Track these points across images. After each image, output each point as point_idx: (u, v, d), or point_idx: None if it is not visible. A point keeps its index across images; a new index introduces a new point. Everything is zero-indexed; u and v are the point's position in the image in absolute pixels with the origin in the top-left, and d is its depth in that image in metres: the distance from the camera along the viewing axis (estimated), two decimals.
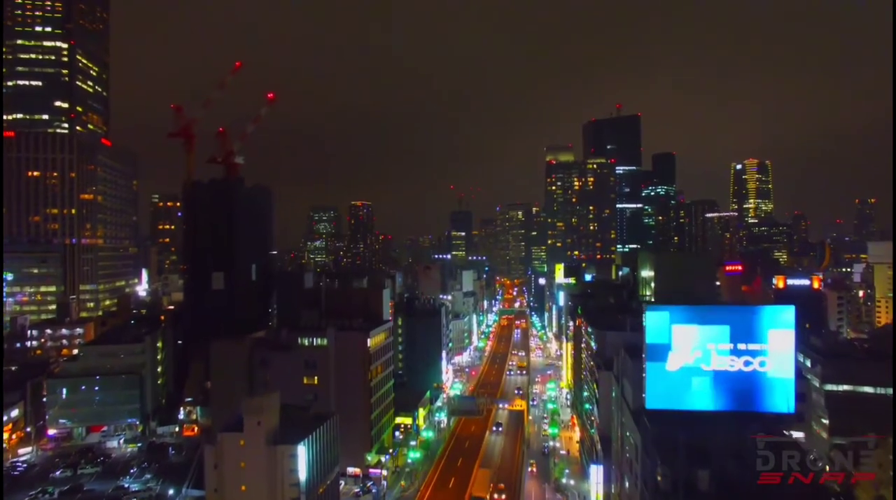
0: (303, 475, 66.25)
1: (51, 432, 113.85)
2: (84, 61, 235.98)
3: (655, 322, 54.69)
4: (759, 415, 50.87)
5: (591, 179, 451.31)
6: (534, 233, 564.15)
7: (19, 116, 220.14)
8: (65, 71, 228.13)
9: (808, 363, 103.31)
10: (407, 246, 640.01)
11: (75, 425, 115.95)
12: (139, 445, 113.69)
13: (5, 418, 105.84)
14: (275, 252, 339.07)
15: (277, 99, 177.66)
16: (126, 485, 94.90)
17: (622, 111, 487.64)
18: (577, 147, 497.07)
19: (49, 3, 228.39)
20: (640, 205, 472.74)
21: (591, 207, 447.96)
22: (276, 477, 64.90)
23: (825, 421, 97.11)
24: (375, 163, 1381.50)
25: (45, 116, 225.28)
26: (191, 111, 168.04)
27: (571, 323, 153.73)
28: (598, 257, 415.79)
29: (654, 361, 54.18)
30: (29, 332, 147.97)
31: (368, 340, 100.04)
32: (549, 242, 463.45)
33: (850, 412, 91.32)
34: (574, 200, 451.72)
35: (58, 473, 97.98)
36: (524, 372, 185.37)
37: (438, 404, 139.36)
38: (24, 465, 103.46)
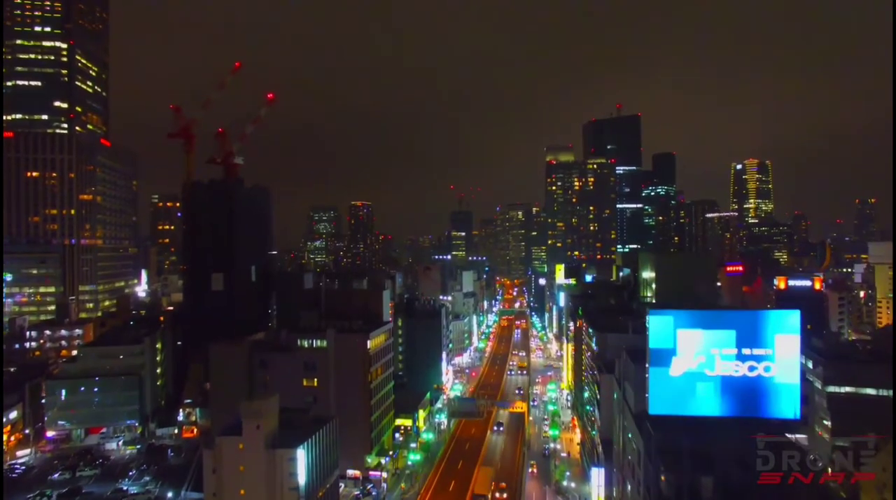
0: (302, 478, 65.81)
1: (49, 433, 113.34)
2: (83, 61, 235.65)
3: (659, 327, 54.11)
4: (765, 421, 50.25)
5: (592, 179, 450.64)
6: (534, 233, 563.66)
7: (18, 116, 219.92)
8: (64, 71, 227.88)
9: (810, 365, 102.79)
10: (407, 246, 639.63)
11: (74, 426, 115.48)
12: (138, 447, 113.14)
13: (3, 419, 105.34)
14: (275, 252, 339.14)
15: (277, 99, 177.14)
16: (125, 487, 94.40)
17: (622, 111, 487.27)
18: (578, 147, 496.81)
19: (48, 3, 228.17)
20: (640, 205, 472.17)
21: (591, 208, 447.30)
22: (276, 481, 64.45)
23: (827, 423, 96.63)
24: (375, 163, 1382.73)
25: (45, 117, 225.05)
26: (190, 112, 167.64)
27: (572, 324, 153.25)
28: (599, 257, 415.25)
29: (658, 366, 53.61)
30: (28, 333, 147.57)
31: (368, 341, 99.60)
32: (550, 242, 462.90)
33: (853, 414, 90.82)
34: (574, 200, 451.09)
35: (56, 475, 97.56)
36: (524, 372, 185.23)
37: (439, 405, 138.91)
38: (23, 467, 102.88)
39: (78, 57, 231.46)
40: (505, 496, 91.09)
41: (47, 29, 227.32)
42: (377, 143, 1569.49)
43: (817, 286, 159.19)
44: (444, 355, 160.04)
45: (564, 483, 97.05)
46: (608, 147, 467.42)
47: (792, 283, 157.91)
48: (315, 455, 69.30)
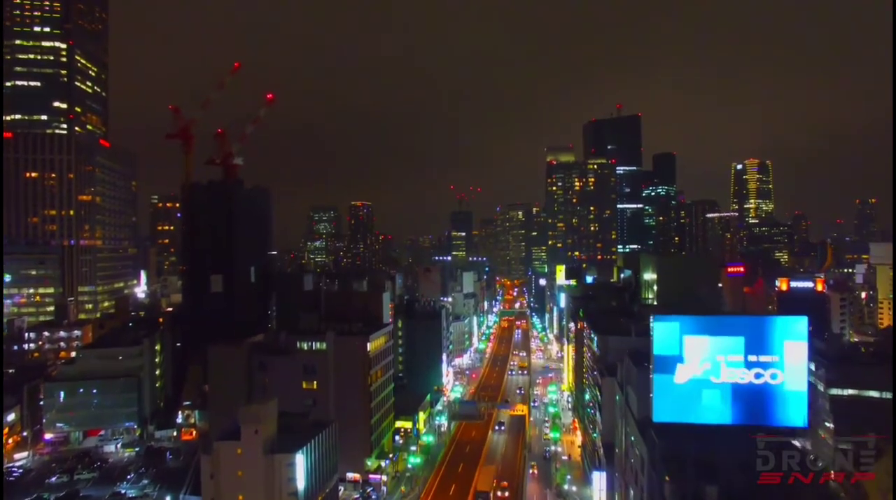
0: (301, 483, 65.16)
1: (47, 436, 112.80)
2: (83, 61, 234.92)
3: (663, 333, 53.29)
4: (772, 430, 49.42)
5: (592, 179, 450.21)
6: (534, 233, 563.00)
7: (18, 116, 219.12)
8: (63, 71, 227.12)
9: (813, 367, 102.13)
10: (407, 246, 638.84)
11: (72, 429, 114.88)
12: (137, 449, 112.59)
13: (2, 422, 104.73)
14: (274, 252, 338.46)
15: (277, 99, 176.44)
16: (123, 491, 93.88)
17: (623, 111, 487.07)
18: (578, 147, 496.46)
19: (48, 3, 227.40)
20: (640, 205, 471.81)
21: (591, 208, 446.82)
22: (274, 486, 63.80)
23: (829, 426, 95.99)
24: (375, 163, 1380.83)
25: (44, 117, 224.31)
26: (189, 112, 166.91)
27: (573, 325, 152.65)
28: (599, 257, 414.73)
29: (662, 373, 52.75)
30: (26, 334, 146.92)
31: (368, 344, 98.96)
32: (550, 242, 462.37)
33: (855, 417, 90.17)
34: (574, 200, 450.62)
35: (54, 478, 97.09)
36: (525, 372, 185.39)
37: (439, 407, 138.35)
38: (20, 470, 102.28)
39: (77, 57, 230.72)
40: (507, 494, 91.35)
41: (46, 29, 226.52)
42: (377, 143, 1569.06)
43: (819, 288, 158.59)
44: (444, 356, 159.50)
45: (566, 487, 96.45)
46: (608, 147, 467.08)
47: (794, 284, 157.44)
48: (314, 460, 68.67)
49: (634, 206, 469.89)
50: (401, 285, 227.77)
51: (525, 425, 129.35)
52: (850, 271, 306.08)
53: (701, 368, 51.71)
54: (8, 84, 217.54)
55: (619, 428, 74.01)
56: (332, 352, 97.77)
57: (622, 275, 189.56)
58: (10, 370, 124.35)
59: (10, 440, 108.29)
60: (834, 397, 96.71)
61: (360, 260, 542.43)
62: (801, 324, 50.51)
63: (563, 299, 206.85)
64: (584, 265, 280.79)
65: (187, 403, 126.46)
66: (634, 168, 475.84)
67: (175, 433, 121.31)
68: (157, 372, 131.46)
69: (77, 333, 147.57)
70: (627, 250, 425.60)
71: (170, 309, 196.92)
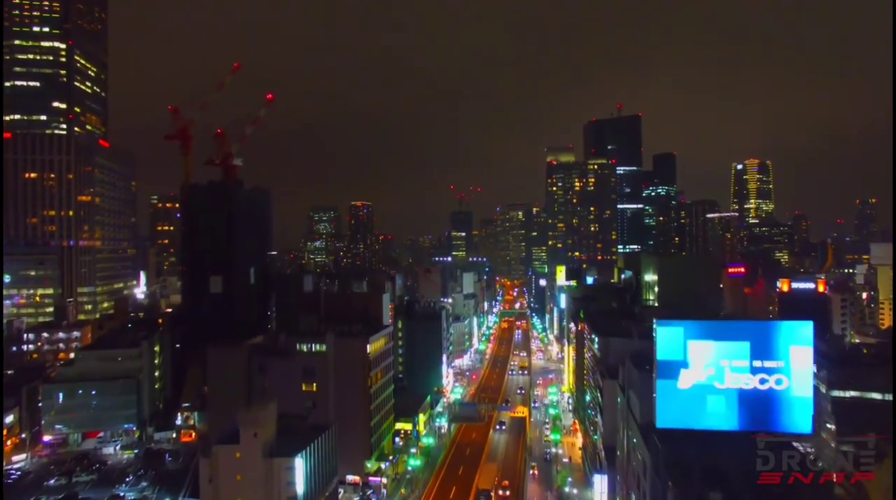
0: (300, 487, 64.73)
1: (46, 438, 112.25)
2: (82, 62, 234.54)
3: (667, 338, 52.78)
4: (777, 435, 48.87)
5: (592, 179, 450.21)
6: (534, 233, 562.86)
7: (17, 116, 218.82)
8: (63, 71, 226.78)
9: (815, 369, 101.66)
10: (407, 246, 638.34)
11: (71, 431, 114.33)
12: (136, 451, 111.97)
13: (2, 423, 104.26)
14: (274, 253, 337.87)
15: (277, 99, 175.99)
16: (122, 493, 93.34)
17: (623, 111, 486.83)
18: (578, 147, 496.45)
19: (47, 3, 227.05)
20: (640, 205, 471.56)
21: (591, 208, 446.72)
22: (274, 490, 63.37)
23: (831, 427, 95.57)
24: (375, 163, 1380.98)
25: (43, 117, 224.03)
26: (189, 112, 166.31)
27: (573, 326, 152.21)
28: (600, 258, 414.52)
29: (665, 378, 52.22)
30: (25, 335, 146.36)
31: (368, 346, 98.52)
32: (550, 242, 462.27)
33: (858, 419, 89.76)
34: (575, 200, 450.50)
35: (52, 481, 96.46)
36: (525, 372, 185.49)
37: (439, 409, 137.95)
38: (19, 472, 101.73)
39: (77, 57, 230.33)
40: (508, 493, 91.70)
41: (46, 29, 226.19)
42: (377, 143, 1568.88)
43: (821, 289, 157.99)
44: (444, 357, 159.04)
45: (566, 489, 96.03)
46: (609, 147, 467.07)
47: (795, 285, 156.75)
48: (314, 463, 68.25)
49: (635, 206, 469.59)
50: (401, 286, 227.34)
51: (526, 426, 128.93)
52: (851, 271, 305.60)
53: (705, 373, 51.09)
54: (7, 84, 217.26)
55: (620, 431, 73.55)
56: (331, 354, 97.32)
57: (623, 276, 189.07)
58: (9, 372, 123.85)
59: (9, 442, 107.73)
60: (836, 398, 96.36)
61: (360, 260, 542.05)
62: (806, 329, 49.99)
63: (563, 300, 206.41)
64: (585, 266, 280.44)
65: (186, 404, 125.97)
66: (634, 168, 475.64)
67: (174, 435, 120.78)
68: (157, 374, 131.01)
69: (76, 334, 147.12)
70: (628, 251, 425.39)
71: (169, 310, 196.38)
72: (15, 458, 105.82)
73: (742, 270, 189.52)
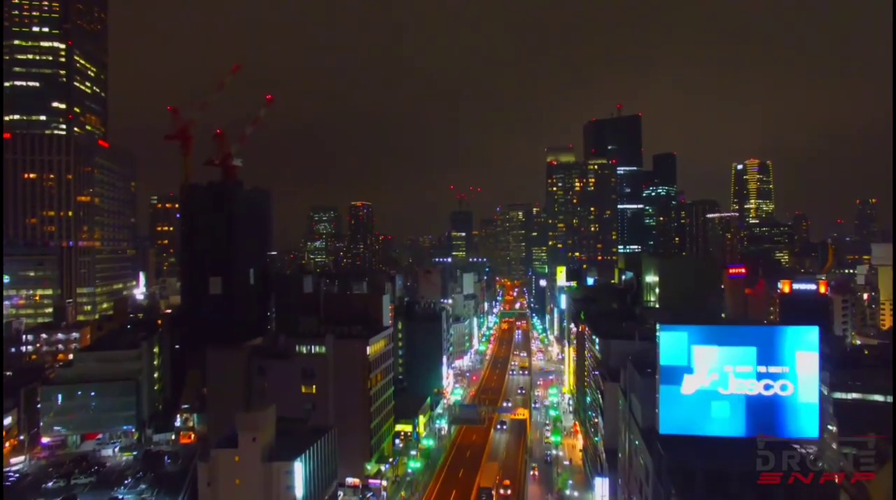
0: (299, 491, 64.29)
1: (45, 440, 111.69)
2: (82, 62, 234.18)
3: (671, 343, 52.13)
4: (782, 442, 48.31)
5: (592, 179, 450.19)
6: (534, 234, 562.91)
7: (16, 117, 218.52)
8: (62, 72, 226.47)
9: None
10: (407, 246, 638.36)
11: (70, 432, 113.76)
12: (135, 453, 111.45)
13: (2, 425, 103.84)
14: (274, 253, 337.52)
15: (277, 99, 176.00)
16: (120, 496, 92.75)
17: (623, 111, 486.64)
18: (578, 147, 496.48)
19: (46, 3, 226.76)
20: (640, 205, 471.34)
21: (592, 208, 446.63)
22: (273, 494, 62.93)
23: (832, 428, 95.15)
24: (375, 163, 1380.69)
25: (43, 117, 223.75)
26: (189, 113, 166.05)
27: (574, 327, 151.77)
28: (600, 258, 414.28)
29: (668, 384, 51.57)
30: (24, 336, 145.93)
31: (368, 347, 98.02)
32: (550, 243, 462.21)
33: (860, 421, 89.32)
34: (575, 200, 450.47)
35: (50, 483, 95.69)
36: (526, 372, 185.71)
37: (439, 410, 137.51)
38: (17, 475, 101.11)
39: (76, 57, 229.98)
40: (509, 492, 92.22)
41: (45, 29, 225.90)
42: (377, 143, 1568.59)
43: (822, 290, 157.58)
44: (444, 358, 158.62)
45: (567, 492, 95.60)
46: (609, 147, 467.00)
47: (796, 287, 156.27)
48: (313, 467, 67.84)
49: (635, 206, 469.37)
50: (401, 287, 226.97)
51: (526, 429, 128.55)
52: (852, 271, 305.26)
53: (709, 379, 50.43)
54: (7, 84, 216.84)
55: (622, 434, 73.10)
56: (331, 356, 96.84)
57: (623, 277, 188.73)
58: (8, 373, 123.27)
59: (7, 444, 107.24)
60: (837, 400, 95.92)
61: (360, 260, 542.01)
62: (812, 334, 49.42)
63: (563, 301, 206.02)
64: (585, 266, 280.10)
65: (186, 406, 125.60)
66: (635, 168, 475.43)
67: (173, 437, 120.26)
68: (156, 375, 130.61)
69: (75, 335, 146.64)
70: (628, 251, 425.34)
71: (168, 311, 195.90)
72: (13, 460, 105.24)
73: (743, 270, 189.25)
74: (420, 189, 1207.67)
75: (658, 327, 52.95)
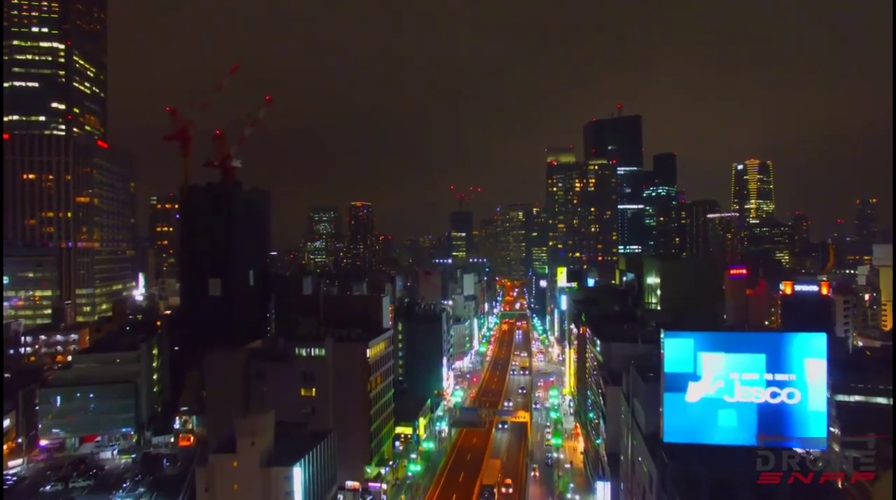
0: (299, 496, 63.66)
1: (43, 442, 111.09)
2: (81, 62, 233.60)
3: (675, 350, 51.29)
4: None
5: (593, 180, 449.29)
6: (534, 234, 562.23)
7: (15, 117, 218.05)
8: (62, 72, 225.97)
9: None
10: (407, 247, 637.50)
11: (68, 435, 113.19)
12: (133, 456, 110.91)
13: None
14: (275, 253, 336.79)
15: (276, 99, 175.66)
16: (119, 499, 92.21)
17: (623, 111, 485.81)
18: (578, 147, 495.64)
19: (46, 3, 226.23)
20: (641, 206, 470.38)
21: (592, 209, 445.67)
22: None
23: (835, 431, 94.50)
24: (375, 163, 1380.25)
25: (42, 118, 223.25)
26: (189, 113, 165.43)
27: (574, 329, 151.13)
28: (600, 258, 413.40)
29: (673, 391, 50.83)
30: (22, 338, 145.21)
31: (368, 350, 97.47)
32: (550, 243, 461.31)
33: (862, 423, 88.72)
34: (575, 201, 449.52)
35: (48, 486, 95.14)
36: (526, 372, 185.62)
37: (439, 412, 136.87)
38: (14, 478, 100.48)
39: (75, 58, 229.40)
40: (511, 491, 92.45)
41: (45, 29, 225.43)
42: (377, 143, 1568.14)
43: (824, 291, 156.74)
44: (444, 360, 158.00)
45: (569, 496, 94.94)
46: (609, 148, 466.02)
47: (798, 288, 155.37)
48: (313, 472, 67.23)
49: (635, 206, 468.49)
50: (401, 288, 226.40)
51: (527, 432, 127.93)
52: (852, 272, 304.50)
53: (714, 386, 49.66)
54: (6, 85, 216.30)
55: (624, 439, 72.48)
56: (331, 358, 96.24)
57: (624, 278, 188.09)
58: (7, 375, 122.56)
59: (5, 447, 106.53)
60: (840, 403, 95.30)
61: (361, 260, 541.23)
62: (820, 341, 48.76)
63: (564, 302, 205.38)
64: (585, 267, 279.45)
65: (185, 408, 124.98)
66: (635, 168, 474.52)
67: (172, 439, 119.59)
68: (155, 377, 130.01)
69: (74, 336, 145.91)
70: (628, 251, 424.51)
71: (168, 312, 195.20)
72: (11, 463, 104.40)
73: (744, 271, 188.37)
74: (420, 189, 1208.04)
75: (662, 333, 52.19)
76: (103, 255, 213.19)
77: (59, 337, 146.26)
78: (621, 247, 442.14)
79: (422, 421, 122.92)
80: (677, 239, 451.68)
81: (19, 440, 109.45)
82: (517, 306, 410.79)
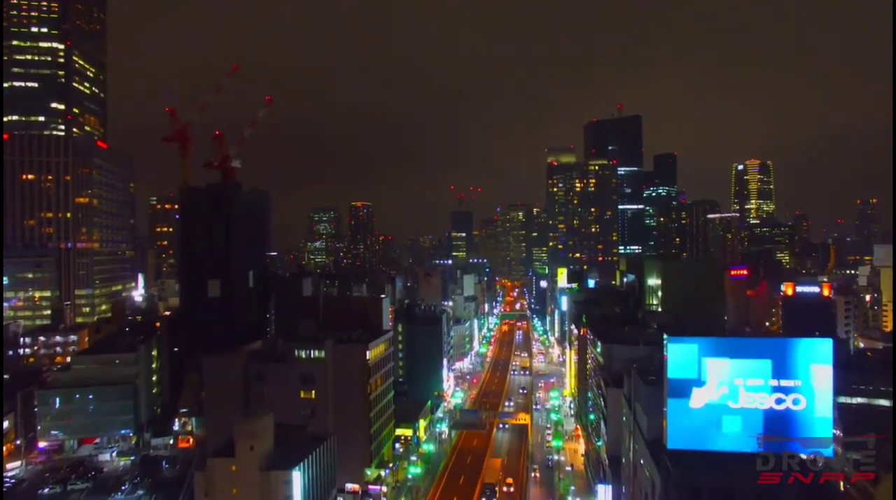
0: None
1: (41, 444, 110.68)
2: (81, 62, 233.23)
3: (679, 355, 50.76)
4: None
5: (593, 180, 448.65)
6: (535, 234, 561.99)
7: (15, 117, 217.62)
8: (61, 72, 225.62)
9: None
10: (407, 247, 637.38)
11: (67, 437, 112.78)
12: (132, 458, 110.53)
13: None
14: (275, 253, 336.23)
15: (276, 100, 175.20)
16: None
17: (623, 112, 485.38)
18: (579, 148, 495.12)
19: (45, 3, 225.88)
20: (641, 206, 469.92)
21: (592, 209, 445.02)
22: None
23: (837, 433, 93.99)
24: (375, 163, 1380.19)
25: (41, 118, 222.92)
26: (188, 114, 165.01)
27: (574, 329, 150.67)
28: (601, 259, 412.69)
29: (677, 397, 50.29)
30: (21, 339, 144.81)
31: (368, 352, 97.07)
32: (551, 243, 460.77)
33: (865, 425, 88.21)
34: (575, 201, 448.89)
35: (47, 489, 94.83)
36: (527, 372, 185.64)
37: (440, 414, 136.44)
38: (13, 480, 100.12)
39: (75, 58, 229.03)
40: (512, 490, 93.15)
41: (44, 30, 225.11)
42: (377, 143, 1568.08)
43: (826, 292, 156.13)
44: (444, 361, 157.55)
45: (570, 499, 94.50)
46: (609, 148, 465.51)
47: (800, 289, 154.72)
48: (312, 475, 66.77)
49: (635, 206, 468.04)
50: (401, 289, 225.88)
51: (527, 434, 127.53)
52: (853, 272, 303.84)
53: (718, 392, 49.14)
54: (5, 85, 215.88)
55: (625, 442, 72.01)
56: (330, 360, 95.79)
57: (625, 279, 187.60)
58: (6, 376, 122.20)
59: (4, 449, 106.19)
60: (842, 405, 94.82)
61: (361, 261, 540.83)
62: (826, 347, 48.31)
63: (564, 303, 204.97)
64: (585, 267, 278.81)
65: (184, 410, 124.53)
66: (635, 169, 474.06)
67: (171, 441, 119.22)
68: (154, 378, 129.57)
69: (73, 337, 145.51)
70: (628, 252, 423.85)
71: (167, 313, 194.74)
72: (9, 465, 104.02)
73: (745, 272, 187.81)
74: (420, 189, 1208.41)
75: (665, 338, 51.69)
76: (103, 255, 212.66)
77: (58, 338, 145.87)
78: (622, 247, 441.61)
79: (422, 423, 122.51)
80: (678, 239, 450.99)
81: (18, 442, 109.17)
82: (517, 306, 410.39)
